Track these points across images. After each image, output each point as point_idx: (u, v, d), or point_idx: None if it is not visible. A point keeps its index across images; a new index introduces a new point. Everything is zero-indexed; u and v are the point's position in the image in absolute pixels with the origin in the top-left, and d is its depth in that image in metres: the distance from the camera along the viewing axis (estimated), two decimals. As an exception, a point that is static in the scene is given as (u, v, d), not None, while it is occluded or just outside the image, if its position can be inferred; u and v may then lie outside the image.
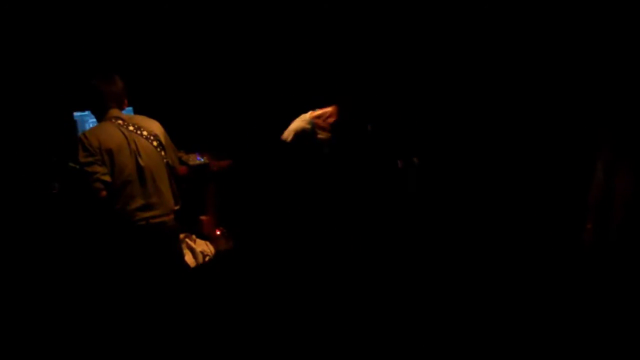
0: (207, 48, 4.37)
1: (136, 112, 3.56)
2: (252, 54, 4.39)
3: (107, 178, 2.82)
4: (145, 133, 2.97)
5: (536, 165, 3.89)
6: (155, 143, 2.99)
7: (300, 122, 3.15)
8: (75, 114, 3.80)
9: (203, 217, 4.15)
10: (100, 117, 2.99)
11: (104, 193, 2.79)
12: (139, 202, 2.88)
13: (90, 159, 2.81)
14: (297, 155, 2.94)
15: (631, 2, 3.40)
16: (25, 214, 3.58)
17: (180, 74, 4.40)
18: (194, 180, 3.77)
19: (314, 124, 2.96)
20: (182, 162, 3.64)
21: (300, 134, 3.05)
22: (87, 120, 3.82)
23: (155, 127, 3.06)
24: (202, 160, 4.08)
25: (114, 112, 2.96)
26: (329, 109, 2.99)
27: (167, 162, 3.04)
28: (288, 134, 3.19)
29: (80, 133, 2.98)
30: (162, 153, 3.01)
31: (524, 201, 3.90)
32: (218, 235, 4.14)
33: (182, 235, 3.82)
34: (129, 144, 2.90)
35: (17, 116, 3.87)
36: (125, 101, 3.07)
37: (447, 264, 3.74)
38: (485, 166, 4.04)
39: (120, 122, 2.94)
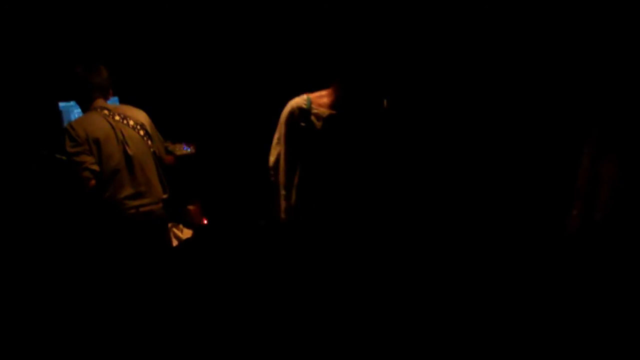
0: (194, 37, 4.34)
1: (122, 102, 3.54)
2: (240, 42, 4.37)
3: (96, 167, 2.81)
4: (131, 122, 2.97)
5: (522, 154, 3.92)
6: (141, 132, 3.00)
7: (297, 98, 3.01)
8: (61, 104, 3.77)
9: (190, 207, 4.15)
10: (86, 107, 2.99)
11: (92, 182, 2.79)
12: (128, 190, 2.89)
13: (77, 149, 2.81)
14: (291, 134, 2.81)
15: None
16: (13, 205, 3.56)
17: (167, 63, 4.38)
18: (181, 170, 3.76)
19: (310, 100, 2.84)
20: (169, 152, 3.63)
21: (294, 110, 2.91)
22: (72, 110, 3.80)
23: (141, 116, 3.06)
24: (189, 150, 4.08)
25: (99, 102, 2.97)
26: (324, 91, 2.88)
27: (154, 151, 3.05)
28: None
29: (66, 124, 2.96)
30: (149, 142, 3.03)
31: (510, 189, 3.93)
32: (205, 224, 4.15)
33: (169, 225, 3.82)
34: (115, 133, 2.90)
35: (2, 107, 3.84)
36: (110, 91, 3.06)
37: (434, 251, 3.77)
38: (472, 153, 4.06)
39: (106, 112, 2.94)
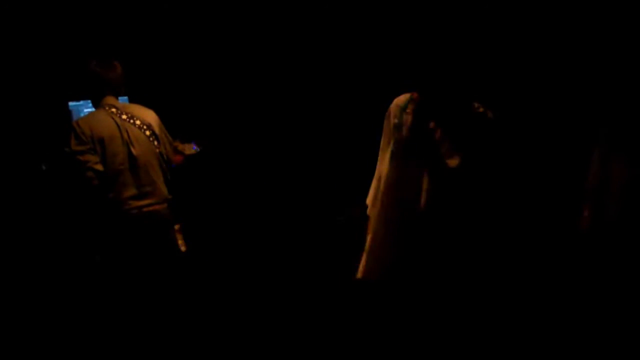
0: (203, 37, 4.34)
1: (131, 101, 3.55)
2: (248, 41, 4.36)
3: (99, 167, 2.81)
4: (138, 122, 2.96)
5: (533, 155, 3.89)
6: (147, 133, 2.98)
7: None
8: (71, 103, 3.78)
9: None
10: (96, 103, 2.98)
11: (95, 182, 2.79)
12: (131, 190, 2.88)
13: (82, 147, 2.81)
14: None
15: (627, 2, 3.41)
16: (19, 204, 3.57)
17: (177, 62, 4.38)
18: (190, 170, 3.76)
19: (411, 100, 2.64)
20: (178, 152, 3.63)
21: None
22: (82, 110, 3.81)
23: (150, 116, 3.04)
24: (198, 149, 4.07)
25: (110, 99, 2.95)
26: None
27: (160, 152, 3.03)
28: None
29: (73, 121, 2.96)
30: (155, 143, 3.00)
31: (522, 190, 3.90)
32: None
33: (177, 226, 3.82)
34: (121, 133, 2.89)
35: (13, 107, 3.86)
36: (123, 89, 3.05)
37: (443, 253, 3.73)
38: (481, 155, 4.03)
39: (114, 110, 2.93)
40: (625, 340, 2.73)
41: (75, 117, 3.78)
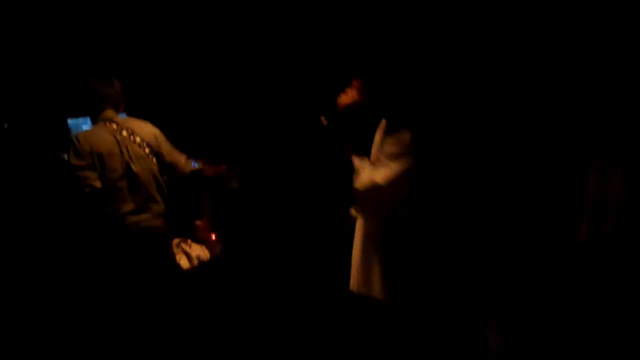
0: (201, 52, 4.36)
1: (130, 115, 3.56)
2: (246, 57, 4.38)
3: (97, 184, 2.84)
4: (138, 139, 2.99)
5: (531, 167, 3.89)
6: (147, 150, 3.01)
7: None
8: (70, 120, 3.80)
9: (198, 222, 4.15)
10: (95, 118, 3.02)
11: (93, 197, 2.82)
12: (129, 205, 2.90)
13: (81, 163, 2.84)
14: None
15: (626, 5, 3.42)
16: (18, 215, 3.58)
17: (174, 78, 4.40)
18: (189, 185, 3.76)
19: None
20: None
21: None
22: (80, 126, 3.82)
23: (149, 133, 3.06)
24: (197, 166, 4.08)
25: (109, 113, 2.99)
26: None
27: (159, 169, 3.05)
28: None
29: (72, 135, 2.99)
30: (154, 160, 3.03)
31: (519, 202, 3.90)
32: (213, 240, 4.14)
33: (177, 240, 3.82)
34: (120, 149, 2.92)
35: (11, 124, 3.88)
36: (122, 105, 3.09)
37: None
38: (479, 167, 4.04)
39: (114, 126, 2.96)
40: (621, 351, 2.72)
41: (74, 134, 3.79)
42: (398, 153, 2.18)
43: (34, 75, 3.93)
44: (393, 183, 2.19)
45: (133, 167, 2.92)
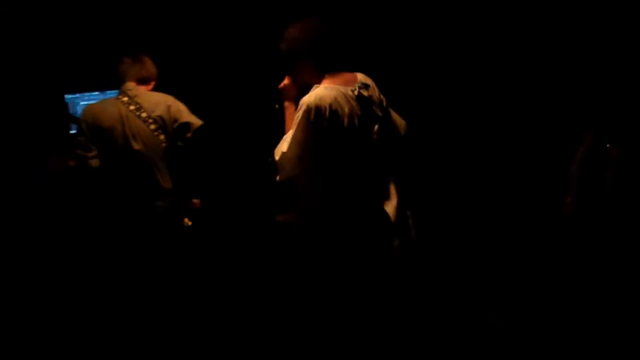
0: (199, 55, 4.34)
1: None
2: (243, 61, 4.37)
3: (94, 162, 2.83)
4: (144, 115, 2.88)
5: (517, 142, 3.99)
6: (152, 126, 2.89)
7: None
8: (67, 96, 3.82)
9: (195, 200, 4.17)
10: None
11: (88, 176, 2.83)
12: (132, 186, 2.86)
13: (81, 140, 2.84)
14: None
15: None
16: (14, 200, 3.58)
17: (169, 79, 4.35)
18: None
19: None
20: None
21: None
22: (78, 102, 3.84)
23: (159, 104, 2.92)
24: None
25: (127, 85, 2.95)
26: None
27: (168, 146, 2.94)
28: None
29: (84, 109, 2.99)
30: (161, 137, 2.91)
31: (505, 177, 4.00)
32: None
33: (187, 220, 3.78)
34: (123, 125, 2.86)
35: (7, 99, 3.87)
36: (152, 82, 3.05)
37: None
38: (466, 143, 4.13)
39: (125, 99, 2.90)
40: (610, 327, 2.81)
41: (71, 109, 3.81)
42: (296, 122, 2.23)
43: (31, 51, 3.90)
44: (294, 151, 2.23)
45: (134, 144, 2.84)
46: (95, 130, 2.85)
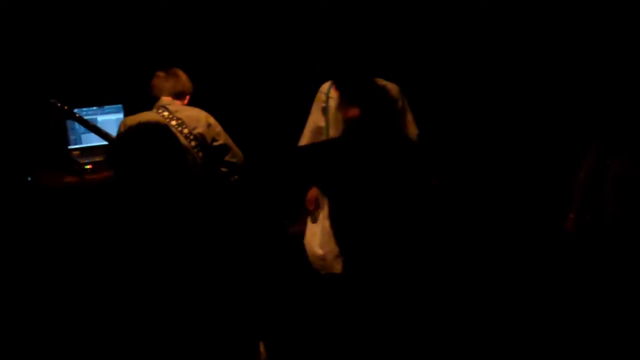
0: (204, 54, 4.33)
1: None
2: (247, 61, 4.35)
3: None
4: (185, 131, 2.86)
5: (521, 157, 3.97)
6: (193, 143, 2.87)
7: None
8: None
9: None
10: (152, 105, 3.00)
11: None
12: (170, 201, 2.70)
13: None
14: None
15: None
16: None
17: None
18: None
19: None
20: None
21: None
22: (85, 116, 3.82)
23: (200, 121, 2.93)
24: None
25: (164, 100, 2.96)
26: None
27: (204, 163, 2.92)
28: None
29: (123, 120, 2.96)
30: (200, 154, 2.90)
31: (508, 192, 3.98)
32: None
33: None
34: None
35: (5, 113, 3.85)
36: (187, 97, 3.06)
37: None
38: (468, 154, 4.11)
39: (165, 114, 2.89)
40: (607, 337, 2.81)
41: (69, 125, 3.78)
42: None
43: (34, 65, 3.88)
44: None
45: None
46: None
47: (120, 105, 3.91)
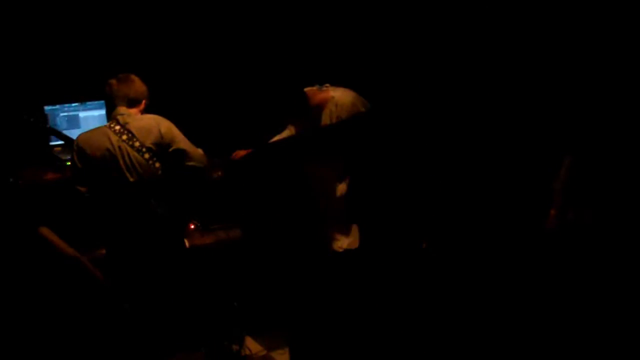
0: (202, 53, 4.30)
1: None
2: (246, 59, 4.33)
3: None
4: (137, 144, 2.80)
5: (501, 153, 3.99)
6: (147, 155, 2.81)
7: None
8: (46, 107, 3.78)
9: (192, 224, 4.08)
10: (109, 114, 2.95)
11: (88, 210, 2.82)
12: (129, 217, 2.82)
13: (75, 173, 2.83)
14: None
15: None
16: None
17: (173, 78, 4.31)
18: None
19: None
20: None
21: None
22: (58, 114, 3.81)
23: (152, 131, 2.86)
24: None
25: (119, 110, 2.87)
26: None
27: (163, 172, 2.89)
28: None
29: (76, 138, 2.91)
30: (157, 165, 2.84)
31: (488, 189, 3.99)
32: (192, 229, 4.11)
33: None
34: (116, 157, 2.78)
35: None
36: (143, 102, 2.95)
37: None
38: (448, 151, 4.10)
39: (117, 128, 2.82)
40: (590, 338, 2.82)
41: (51, 121, 3.77)
42: None
43: (10, 61, 3.84)
44: None
45: (130, 177, 2.78)
46: (89, 163, 2.79)
47: (102, 102, 3.82)
